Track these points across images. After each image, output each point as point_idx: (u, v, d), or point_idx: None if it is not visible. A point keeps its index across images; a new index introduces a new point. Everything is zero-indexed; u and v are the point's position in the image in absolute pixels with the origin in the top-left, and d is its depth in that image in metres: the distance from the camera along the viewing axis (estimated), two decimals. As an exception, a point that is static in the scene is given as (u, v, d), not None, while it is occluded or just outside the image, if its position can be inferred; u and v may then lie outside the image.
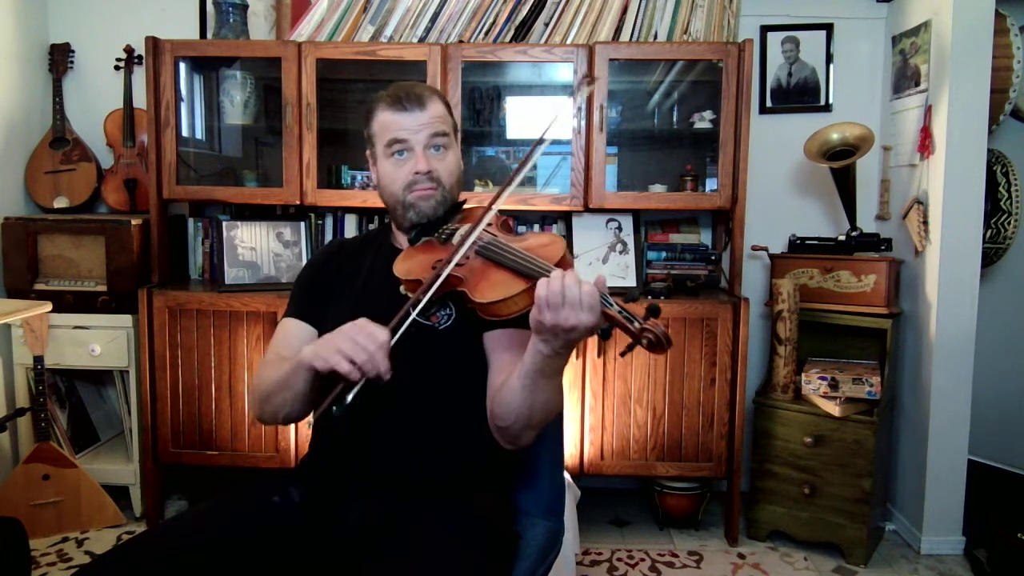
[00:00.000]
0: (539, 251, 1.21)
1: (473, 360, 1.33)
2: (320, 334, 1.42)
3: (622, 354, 1.07)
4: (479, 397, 1.31)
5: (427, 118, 1.38)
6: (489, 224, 1.34)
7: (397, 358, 1.18)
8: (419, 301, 1.20)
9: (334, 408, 1.16)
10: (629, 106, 2.80)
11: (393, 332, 1.18)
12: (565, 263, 1.20)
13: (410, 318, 1.20)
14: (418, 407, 1.30)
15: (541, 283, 1.06)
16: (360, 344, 1.14)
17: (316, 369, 1.19)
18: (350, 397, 1.15)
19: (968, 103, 2.43)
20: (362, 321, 1.17)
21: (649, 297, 2.52)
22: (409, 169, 1.38)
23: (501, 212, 1.44)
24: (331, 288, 1.47)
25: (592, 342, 2.46)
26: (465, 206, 1.47)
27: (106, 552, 1.17)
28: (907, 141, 2.66)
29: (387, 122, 1.39)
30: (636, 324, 1.03)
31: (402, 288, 1.32)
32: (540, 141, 1.28)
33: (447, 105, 1.44)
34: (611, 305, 1.05)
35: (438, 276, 1.21)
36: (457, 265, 1.24)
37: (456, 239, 1.31)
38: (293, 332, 1.44)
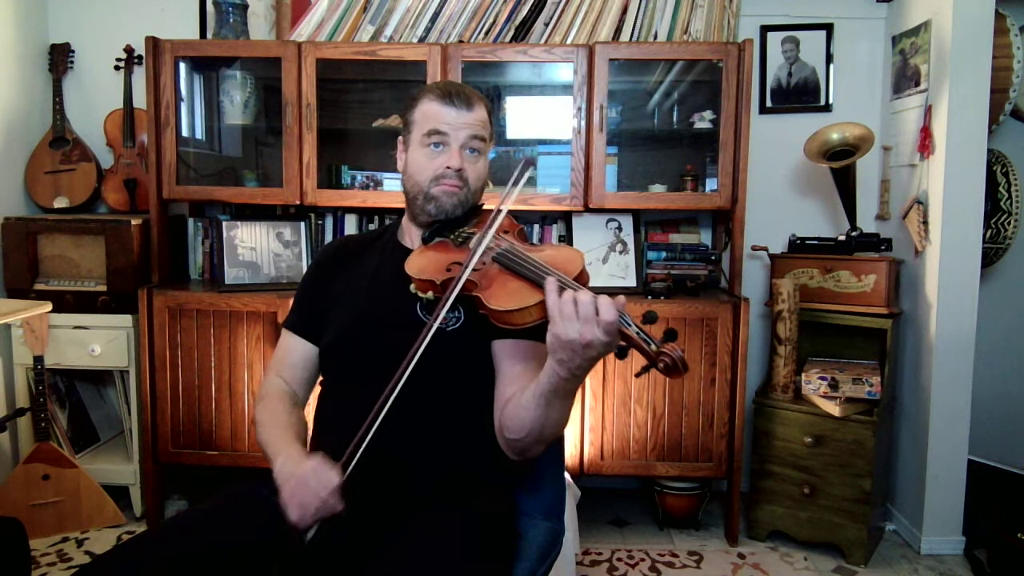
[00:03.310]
0: (557, 263, 1.20)
1: (479, 363, 1.33)
2: (323, 343, 1.44)
3: (637, 375, 1.07)
4: (483, 400, 1.31)
5: (471, 119, 1.40)
6: (505, 232, 1.34)
7: (400, 362, 1.20)
8: (406, 370, 1.20)
9: (307, 539, 1.19)
10: (629, 106, 2.80)
11: (345, 468, 1.18)
12: (583, 276, 1.20)
13: (369, 436, 1.19)
14: (421, 407, 1.30)
15: (553, 297, 1.06)
16: (312, 492, 1.16)
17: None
18: (311, 534, 1.18)
19: (968, 103, 2.43)
20: (313, 464, 1.18)
21: (649, 297, 2.52)
22: (441, 162, 1.39)
23: (510, 216, 1.44)
24: (333, 289, 1.47)
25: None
26: (484, 208, 1.47)
27: (106, 552, 1.17)
28: (907, 141, 2.66)
29: (432, 112, 1.40)
30: (653, 347, 1.03)
31: (412, 287, 1.31)
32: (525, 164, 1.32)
33: (490, 113, 1.47)
34: (629, 325, 1.05)
35: (447, 300, 1.21)
36: (473, 270, 1.24)
37: (473, 242, 1.31)
38: (292, 348, 1.48)
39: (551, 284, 1.08)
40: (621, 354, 1.06)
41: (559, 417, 1.19)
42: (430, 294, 1.29)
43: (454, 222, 1.41)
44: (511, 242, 1.30)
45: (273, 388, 1.44)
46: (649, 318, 1.06)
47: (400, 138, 1.48)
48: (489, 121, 1.45)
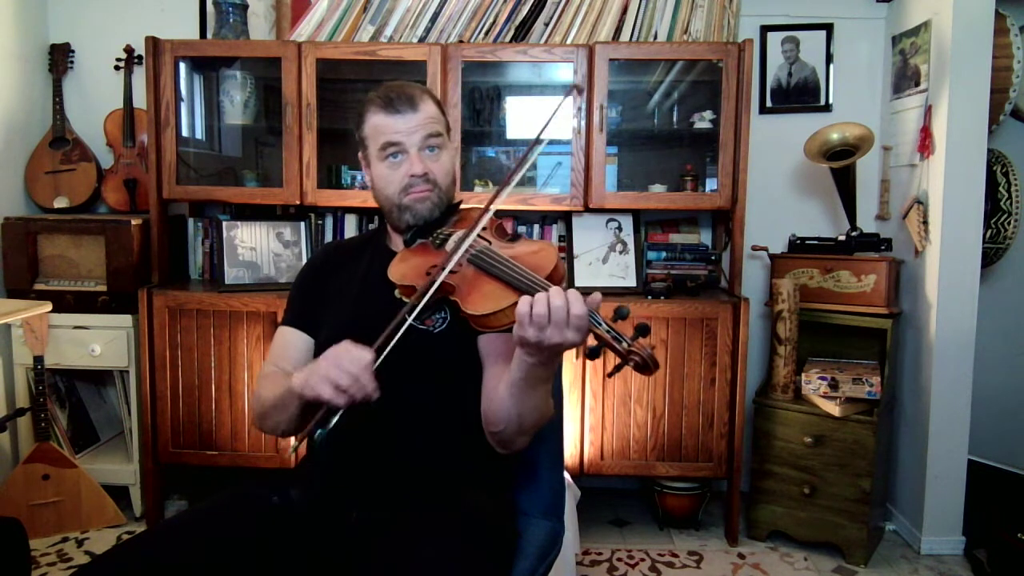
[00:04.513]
0: (530, 260, 1.20)
1: (469, 362, 1.34)
2: (317, 339, 1.43)
3: (610, 374, 1.07)
4: (476, 398, 1.31)
5: (420, 119, 1.37)
6: (484, 228, 1.33)
7: (391, 366, 1.18)
8: (403, 320, 1.19)
9: (317, 432, 1.15)
10: (629, 106, 2.80)
11: (379, 351, 1.17)
12: (557, 273, 1.20)
13: (397, 335, 1.18)
14: (416, 409, 1.30)
15: (524, 300, 1.05)
16: (344, 368, 1.13)
17: (306, 398, 1.19)
18: (333, 421, 1.15)
19: (968, 103, 2.43)
20: (345, 344, 1.16)
21: (649, 297, 2.52)
22: (404, 172, 1.38)
23: (501, 213, 1.44)
24: (327, 291, 1.47)
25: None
26: (462, 207, 1.47)
27: (106, 552, 1.17)
28: (907, 141, 2.66)
29: (379, 125, 1.38)
30: (624, 344, 1.02)
31: (396, 292, 1.32)
32: (537, 141, 1.29)
33: (439, 104, 1.44)
34: (600, 324, 1.04)
35: (426, 291, 1.21)
36: (451, 272, 1.24)
37: (450, 245, 1.31)
38: (290, 342, 1.45)
39: (524, 299, 1.07)
40: (593, 354, 1.06)
41: (536, 404, 1.19)
42: (414, 299, 1.29)
43: (433, 223, 1.40)
44: (488, 240, 1.30)
45: (270, 369, 1.42)
46: (620, 314, 1.06)
47: (360, 155, 1.47)
48: (441, 112, 1.43)
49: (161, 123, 2.54)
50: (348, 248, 1.57)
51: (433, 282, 1.21)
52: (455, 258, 1.23)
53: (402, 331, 1.19)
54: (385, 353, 1.17)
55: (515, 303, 1.11)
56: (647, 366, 1.01)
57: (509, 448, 1.28)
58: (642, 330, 1.03)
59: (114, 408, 2.96)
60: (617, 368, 1.05)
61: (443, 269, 1.22)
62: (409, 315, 1.20)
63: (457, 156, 1.49)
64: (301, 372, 1.22)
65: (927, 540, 2.54)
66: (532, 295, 1.06)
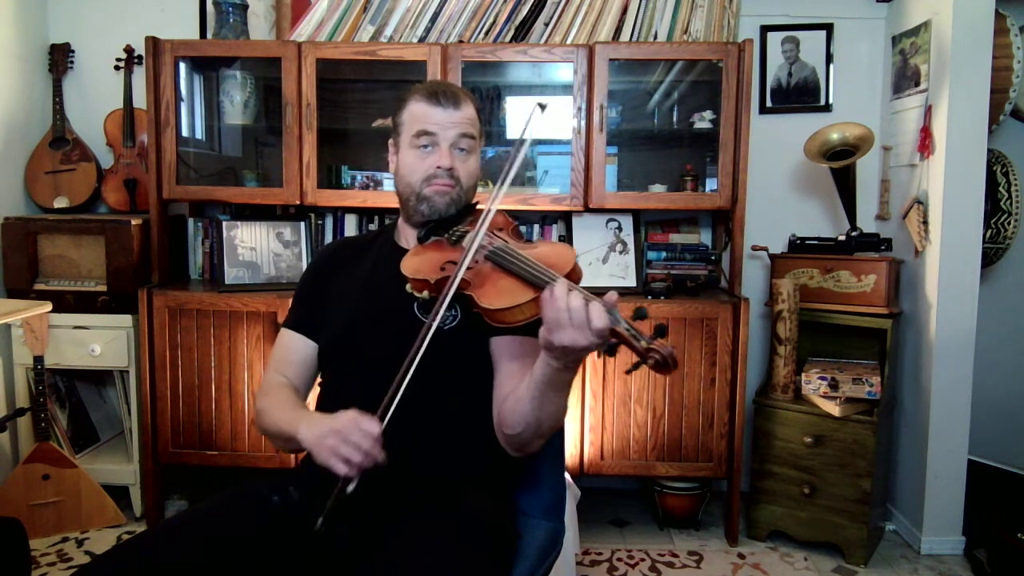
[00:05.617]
0: (549, 260, 1.20)
1: (477, 361, 1.34)
2: (319, 341, 1.44)
3: (628, 372, 1.08)
4: (481, 398, 1.31)
5: (459, 117, 1.40)
6: (500, 229, 1.34)
7: (396, 363, 1.19)
8: (413, 362, 1.19)
9: (336, 503, 1.16)
10: (629, 106, 2.80)
11: (383, 415, 1.17)
12: (575, 274, 1.20)
13: (402, 388, 1.18)
14: (420, 407, 1.30)
15: (548, 305, 1.06)
16: (354, 444, 1.13)
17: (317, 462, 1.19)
18: (350, 489, 1.15)
19: (968, 103, 2.43)
20: (352, 415, 1.16)
21: (649, 297, 2.52)
22: (432, 163, 1.39)
23: (504, 213, 1.44)
24: (331, 289, 1.47)
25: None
26: (478, 207, 1.47)
27: (106, 552, 1.17)
28: (907, 141, 2.66)
29: (419, 113, 1.40)
30: (643, 343, 1.03)
31: (408, 287, 1.32)
32: (522, 141, 1.31)
33: (478, 110, 1.46)
34: (619, 322, 1.05)
35: (444, 299, 1.21)
36: (467, 268, 1.24)
37: (466, 242, 1.31)
38: (291, 346, 1.47)
39: (545, 294, 1.08)
40: (610, 351, 1.07)
41: (555, 409, 1.19)
42: (425, 293, 1.29)
43: (448, 221, 1.41)
44: (504, 240, 1.31)
45: (274, 382, 1.43)
46: (639, 314, 1.07)
47: (391, 140, 1.48)
48: (478, 118, 1.45)
49: (161, 123, 2.54)
50: (353, 246, 1.57)
51: (451, 286, 1.21)
52: (466, 261, 1.23)
53: (411, 374, 1.19)
54: (391, 413, 1.17)
55: (532, 299, 1.12)
56: (666, 364, 1.01)
57: (524, 451, 1.28)
58: (660, 331, 1.04)
59: (114, 408, 2.96)
60: (635, 366, 1.05)
61: (457, 272, 1.22)
62: (430, 330, 1.20)
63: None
64: (310, 427, 1.22)
65: (927, 540, 2.54)
66: (552, 300, 1.07)
